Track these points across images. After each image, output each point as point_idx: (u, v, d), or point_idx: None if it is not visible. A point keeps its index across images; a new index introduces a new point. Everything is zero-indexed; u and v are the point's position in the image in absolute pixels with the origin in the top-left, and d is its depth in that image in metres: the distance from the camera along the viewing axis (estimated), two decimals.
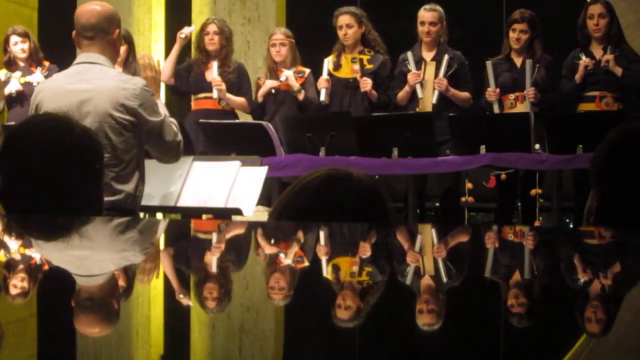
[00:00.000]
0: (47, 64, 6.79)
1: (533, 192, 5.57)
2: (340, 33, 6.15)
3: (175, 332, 0.95)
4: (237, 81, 6.32)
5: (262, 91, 6.30)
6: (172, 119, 3.61)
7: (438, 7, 6.06)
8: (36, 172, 2.29)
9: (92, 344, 0.89)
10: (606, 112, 5.52)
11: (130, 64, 5.54)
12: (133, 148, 3.46)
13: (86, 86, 3.45)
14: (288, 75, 6.18)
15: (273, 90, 6.25)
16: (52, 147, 2.30)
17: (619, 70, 5.61)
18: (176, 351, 0.89)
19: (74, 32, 3.60)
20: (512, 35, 5.89)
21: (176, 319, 1.02)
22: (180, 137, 3.60)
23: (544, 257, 1.53)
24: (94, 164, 2.36)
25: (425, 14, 6.04)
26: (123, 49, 6.27)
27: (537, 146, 5.20)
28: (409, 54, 6.01)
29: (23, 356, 0.84)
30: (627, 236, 1.71)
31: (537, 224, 5.63)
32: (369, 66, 6.17)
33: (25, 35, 6.70)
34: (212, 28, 6.34)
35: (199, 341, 0.91)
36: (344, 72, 6.21)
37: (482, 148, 5.11)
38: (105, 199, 3.35)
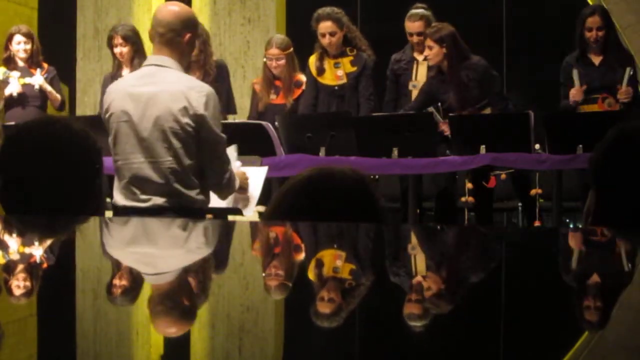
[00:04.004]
0: (46, 66, 6.79)
1: (533, 192, 5.58)
2: (324, 41, 6.01)
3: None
4: (216, 86, 6.12)
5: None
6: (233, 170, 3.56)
7: (422, 12, 5.97)
8: (35, 172, 2.29)
9: (92, 344, 0.89)
10: (606, 112, 5.52)
11: (135, 66, 5.51)
12: (193, 154, 3.43)
13: (152, 89, 3.44)
14: None
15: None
16: (51, 148, 2.30)
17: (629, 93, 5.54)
18: (176, 351, 0.89)
19: (150, 30, 3.60)
20: None
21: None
22: (230, 176, 3.52)
23: (542, 256, 1.53)
24: (93, 164, 2.36)
25: (411, 25, 5.99)
26: (126, 50, 6.28)
27: (537, 146, 5.21)
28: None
29: (23, 356, 0.84)
30: (624, 236, 1.71)
31: (536, 224, 5.63)
32: (352, 69, 6.06)
33: (29, 37, 6.70)
34: None
35: (199, 341, 0.91)
36: (328, 79, 6.11)
37: (482, 148, 5.12)
38: (171, 199, 3.39)
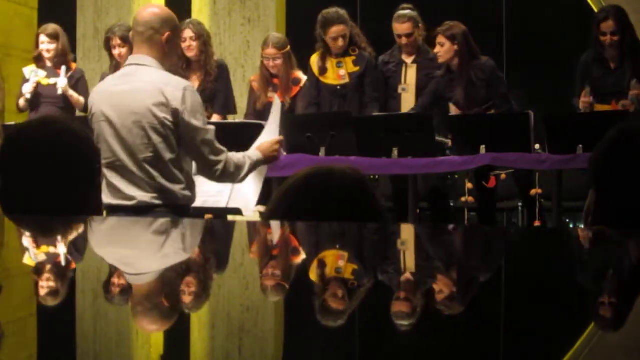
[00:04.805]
0: (74, 66, 6.77)
1: (533, 192, 5.58)
2: (336, 44, 5.97)
3: (175, 332, 0.95)
4: (216, 86, 6.09)
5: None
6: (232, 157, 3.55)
7: (409, 13, 5.94)
8: (35, 172, 2.29)
9: (92, 344, 0.89)
10: (607, 112, 5.51)
11: None
12: (175, 148, 3.45)
13: (130, 87, 3.48)
14: None
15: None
16: (51, 148, 2.30)
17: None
18: (176, 351, 0.89)
19: (131, 32, 3.64)
20: None
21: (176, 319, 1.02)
22: (225, 166, 3.49)
23: (542, 256, 1.53)
24: (92, 164, 2.37)
25: (398, 27, 5.96)
26: (124, 50, 6.27)
27: (537, 146, 5.21)
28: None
29: (23, 356, 0.84)
30: (624, 235, 1.71)
31: (537, 224, 5.63)
32: (355, 69, 6.04)
33: (54, 37, 6.67)
34: (188, 33, 5.99)
35: (199, 341, 0.91)
36: (331, 78, 6.08)
37: (482, 148, 5.12)
38: (156, 195, 3.40)
